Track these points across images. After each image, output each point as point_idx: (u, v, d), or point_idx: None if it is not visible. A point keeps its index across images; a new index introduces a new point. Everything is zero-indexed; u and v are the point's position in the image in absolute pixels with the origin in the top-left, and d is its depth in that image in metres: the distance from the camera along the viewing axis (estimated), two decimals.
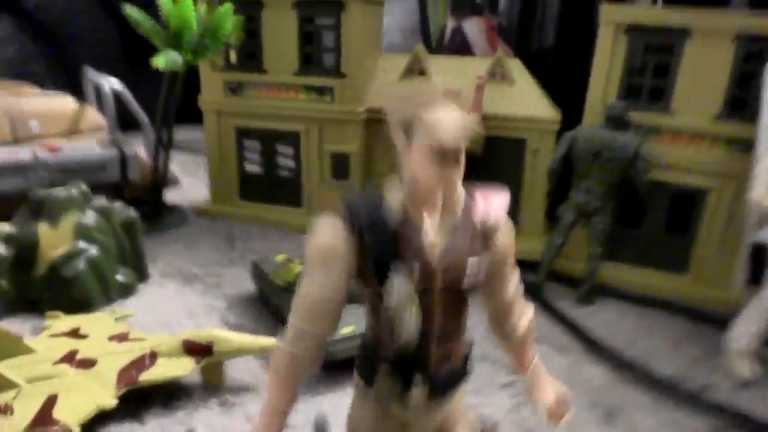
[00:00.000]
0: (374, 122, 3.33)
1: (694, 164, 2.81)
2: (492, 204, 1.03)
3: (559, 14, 3.90)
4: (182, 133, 5.32)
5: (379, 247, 0.95)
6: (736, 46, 2.64)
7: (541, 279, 2.88)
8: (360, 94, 3.27)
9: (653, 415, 2.09)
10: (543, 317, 2.67)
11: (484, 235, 1.02)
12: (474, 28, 5.16)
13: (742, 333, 2.35)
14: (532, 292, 2.85)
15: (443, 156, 0.92)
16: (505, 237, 1.07)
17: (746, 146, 2.68)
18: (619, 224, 3.00)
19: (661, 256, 3.01)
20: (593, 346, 2.43)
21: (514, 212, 3.25)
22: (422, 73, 3.29)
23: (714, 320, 2.70)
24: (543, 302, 2.76)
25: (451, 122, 0.92)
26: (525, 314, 1.16)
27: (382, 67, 3.44)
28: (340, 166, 3.35)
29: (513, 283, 1.13)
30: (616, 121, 2.75)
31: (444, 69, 3.29)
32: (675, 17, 2.71)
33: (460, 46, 5.25)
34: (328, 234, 0.97)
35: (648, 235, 3.02)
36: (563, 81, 3.30)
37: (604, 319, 2.70)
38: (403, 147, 0.95)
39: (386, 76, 3.35)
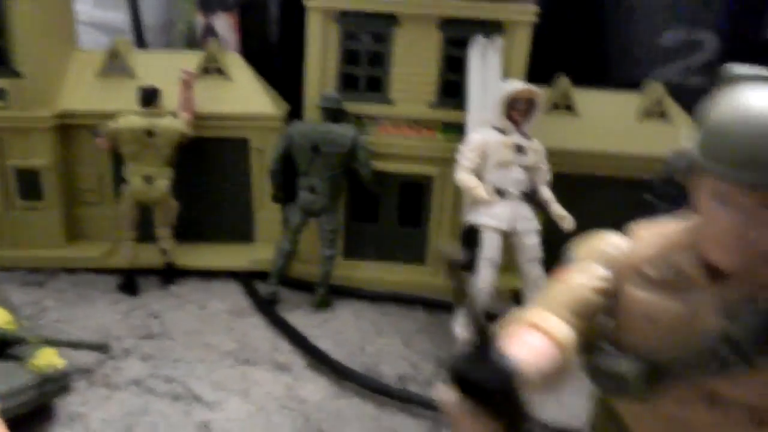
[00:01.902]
0: (72, 128, 2.80)
1: (416, 152, 2.74)
2: None
3: (281, 8, 3.71)
4: None
5: None
6: (441, 32, 2.63)
7: (272, 290, 2.59)
8: (46, 96, 2.72)
9: (373, 426, 1.90)
10: (267, 333, 2.38)
11: None
12: (223, 24, 4.79)
13: (465, 321, 2.28)
14: (262, 305, 2.56)
15: None
16: None
17: (461, 130, 2.67)
18: (357, 220, 2.86)
19: (399, 249, 2.92)
20: (317, 359, 2.19)
21: (246, 220, 2.94)
22: (123, 71, 2.84)
23: (450, 309, 2.65)
24: (270, 315, 2.47)
25: None
26: None
27: (75, 65, 2.91)
28: (29, 184, 2.74)
29: None
30: (331, 114, 2.59)
31: (149, 65, 2.87)
32: (381, 3, 2.63)
33: None
34: None
35: (385, 229, 2.90)
36: (292, 77, 3.08)
37: (337, 325, 2.50)
38: None
39: None
